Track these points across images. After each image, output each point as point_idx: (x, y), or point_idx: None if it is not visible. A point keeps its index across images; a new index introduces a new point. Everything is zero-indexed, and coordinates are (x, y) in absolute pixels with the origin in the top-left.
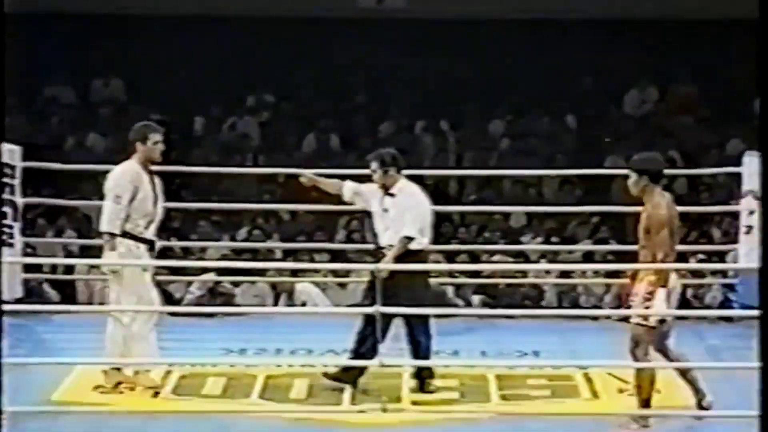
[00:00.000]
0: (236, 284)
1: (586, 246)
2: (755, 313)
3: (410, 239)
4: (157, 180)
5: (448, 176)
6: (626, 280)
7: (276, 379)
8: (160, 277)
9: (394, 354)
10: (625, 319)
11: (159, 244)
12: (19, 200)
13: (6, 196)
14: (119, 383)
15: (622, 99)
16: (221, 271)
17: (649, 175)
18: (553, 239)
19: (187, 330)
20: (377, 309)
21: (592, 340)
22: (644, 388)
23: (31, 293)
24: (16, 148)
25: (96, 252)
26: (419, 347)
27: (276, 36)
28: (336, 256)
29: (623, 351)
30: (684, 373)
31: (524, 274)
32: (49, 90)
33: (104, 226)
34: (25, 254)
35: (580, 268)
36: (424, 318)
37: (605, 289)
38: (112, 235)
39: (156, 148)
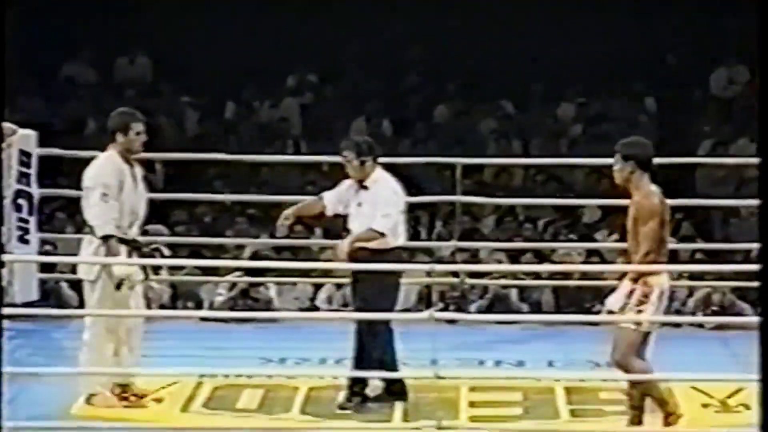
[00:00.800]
0: (268, 286)
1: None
2: (754, 320)
3: (381, 234)
4: (139, 172)
5: (511, 166)
6: (710, 283)
7: (319, 392)
8: (188, 278)
9: (451, 365)
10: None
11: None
12: (35, 191)
13: (20, 186)
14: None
15: (708, 79)
16: (256, 272)
17: (636, 161)
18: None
19: (219, 337)
20: (431, 314)
21: (674, 350)
22: (665, 399)
23: (49, 295)
24: (32, 133)
25: None
26: (363, 358)
27: (319, 8)
28: None
29: (710, 362)
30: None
31: (599, 275)
32: (67, 69)
33: (98, 229)
34: (42, 252)
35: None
36: (376, 325)
37: (688, 293)
38: (109, 237)
39: (138, 139)
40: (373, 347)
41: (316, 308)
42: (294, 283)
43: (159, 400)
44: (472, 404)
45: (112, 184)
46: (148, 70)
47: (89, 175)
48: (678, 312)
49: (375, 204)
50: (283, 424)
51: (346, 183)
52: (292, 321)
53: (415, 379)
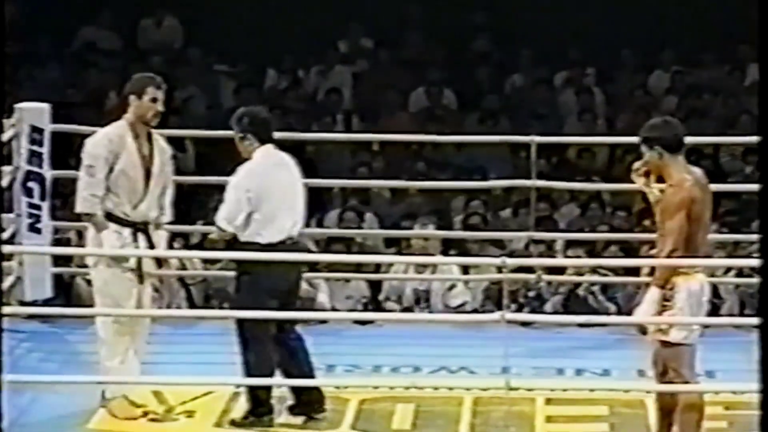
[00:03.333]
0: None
1: None
2: (754, 321)
3: (220, 230)
4: (162, 153)
5: (595, 144)
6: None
7: (373, 404)
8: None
9: (526, 374)
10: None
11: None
12: (48, 173)
13: (31, 167)
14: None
15: None
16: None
17: (663, 145)
18: (734, 225)
19: None
20: (503, 315)
21: None
22: (689, 425)
23: (65, 291)
24: (45, 107)
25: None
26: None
27: None
28: (449, 246)
29: None
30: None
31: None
32: (85, 33)
33: (77, 205)
34: (56, 241)
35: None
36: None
37: None
38: (88, 215)
39: (152, 106)
40: (246, 352)
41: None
42: (347, 280)
43: (190, 413)
44: (549, 419)
45: (100, 156)
46: (177, 33)
47: (84, 146)
48: None
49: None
50: None
51: None
52: (341, 323)
53: (483, 390)
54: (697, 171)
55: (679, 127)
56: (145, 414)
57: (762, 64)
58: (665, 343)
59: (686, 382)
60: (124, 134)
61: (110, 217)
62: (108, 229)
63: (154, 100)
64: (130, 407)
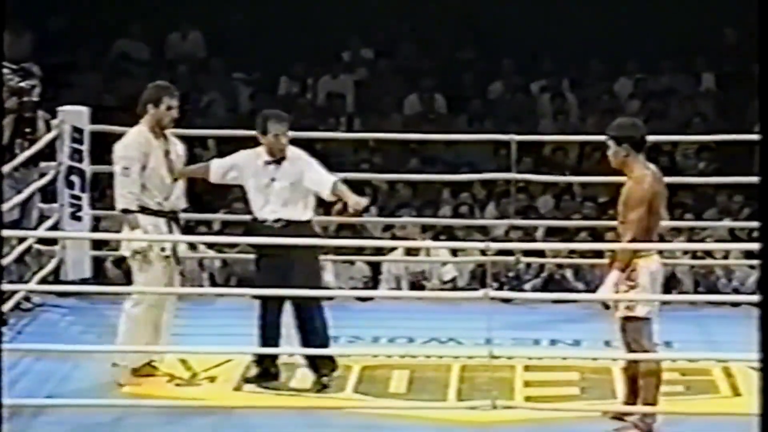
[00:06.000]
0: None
1: (727, 222)
2: (754, 298)
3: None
4: (174, 146)
5: (567, 142)
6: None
7: (373, 371)
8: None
9: (506, 344)
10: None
11: (183, 216)
12: (87, 168)
13: (73, 163)
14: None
15: None
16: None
17: (630, 143)
18: (688, 215)
19: None
20: (486, 293)
21: (731, 329)
22: (658, 386)
23: (101, 273)
24: (84, 110)
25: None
26: (317, 333)
27: None
28: (440, 232)
29: None
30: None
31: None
32: (120, 45)
33: (118, 203)
34: (95, 228)
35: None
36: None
37: (749, 272)
38: (128, 211)
39: (168, 114)
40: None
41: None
42: (352, 263)
43: (212, 379)
44: (527, 384)
45: (134, 158)
46: (200, 45)
47: (115, 150)
48: (737, 291)
49: (300, 173)
50: (336, 403)
51: (244, 154)
52: (343, 300)
53: (469, 359)
54: (653, 167)
55: (644, 128)
56: (172, 379)
57: (762, 63)
58: (630, 318)
59: (646, 351)
60: (150, 137)
61: (147, 210)
62: (141, 225)
63: (169, 108)
64: (131, 375)
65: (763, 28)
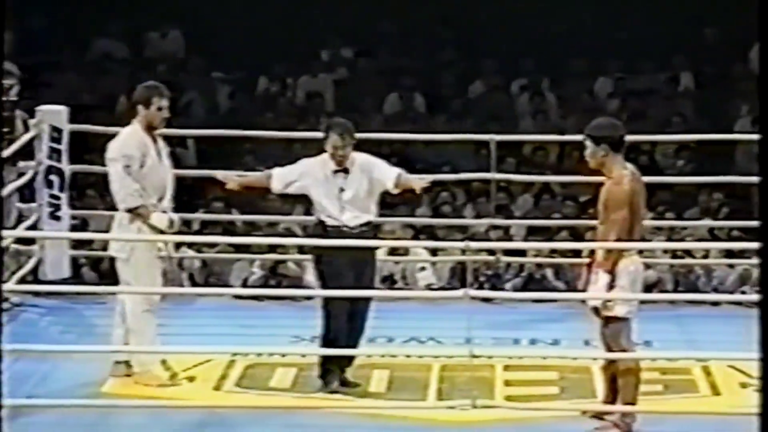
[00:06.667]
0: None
1: (707, 222)
2: (754, 297)
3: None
4: (163, 147)
5: (547, 142)
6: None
7: (354, 371)
8: (222, 256)
9: (486, 344)
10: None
11: (177, 218)
12: (66, 167)
13: (51, 162)
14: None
15: (747, 54)
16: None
17: (608, 143)
18: (668, 214)
19: (251, 315)
20: (466, 292)
21: (711, 328)
22: (636, 385)
23: (81, 273)
24: (63, 109)
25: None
26: (361, 332)
27: None
28: (420, 232)
29: (749, 340)
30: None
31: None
32: (99, 44)
33: (122, 202)
34: (74, 228)
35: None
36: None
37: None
38: (133, 210)
39: (159, 114)
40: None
41: None
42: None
43: (191, 379)
44: (507, 383)
45: (134, 156)
46: (180, 44)
47: (112, 148)
48: (716, 290)
49: (366, 177)
50: (315, 402)
51: (307, 164)
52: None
53: (449, 358)
54: (632, 166)
55: (622, 128)
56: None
57: (762, 63)
58: (609, 318)
59: (624, 351)
60: (145, 137)
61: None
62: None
63: (159, 108)
64: (157, 376)
65: (763, 28)
